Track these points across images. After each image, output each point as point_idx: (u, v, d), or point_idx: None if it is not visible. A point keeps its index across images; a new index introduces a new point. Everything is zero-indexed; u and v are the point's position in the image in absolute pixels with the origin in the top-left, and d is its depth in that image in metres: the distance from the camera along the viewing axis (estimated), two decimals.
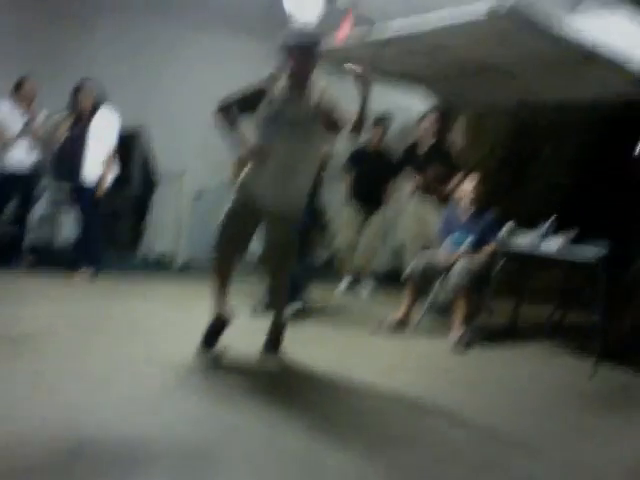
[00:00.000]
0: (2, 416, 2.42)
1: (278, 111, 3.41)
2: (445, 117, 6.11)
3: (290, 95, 3.44)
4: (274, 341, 3.70)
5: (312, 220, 5.03)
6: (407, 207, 6.22)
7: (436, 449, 2.61)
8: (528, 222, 4.81)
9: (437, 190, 5.78)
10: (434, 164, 5.80)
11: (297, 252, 4.71)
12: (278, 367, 3.55)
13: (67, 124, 5.51)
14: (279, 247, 3.60)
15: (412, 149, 6.20)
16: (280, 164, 3.44)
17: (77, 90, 5.37)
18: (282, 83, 3.47)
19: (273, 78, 3.49)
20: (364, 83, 3.24)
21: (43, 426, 2.38)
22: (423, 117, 6.16)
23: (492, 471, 2.47)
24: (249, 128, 3.53)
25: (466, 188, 4.95)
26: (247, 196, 3.52)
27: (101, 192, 5.35)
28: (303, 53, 3.40)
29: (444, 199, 5.58)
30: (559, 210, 5.11)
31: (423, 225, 5.89)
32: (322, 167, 4.80)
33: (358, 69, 3.23)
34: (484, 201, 4.95)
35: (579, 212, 5.51)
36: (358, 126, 3.33)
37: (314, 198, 4.86)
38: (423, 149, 6.07)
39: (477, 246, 4.76)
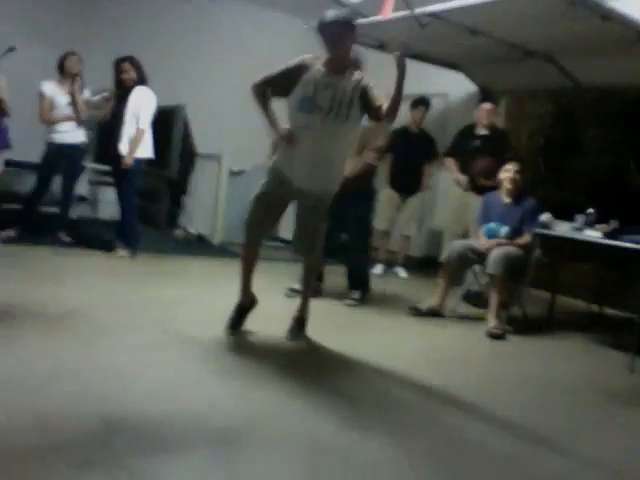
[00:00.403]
0: (38, 390, 2.47)
1: (313, 92, 3.37)
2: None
3: (326, 77, 3.40)
4: (299, 321, 3.71)
5: (371, 208, 5.05)
6: (450, 192, 6.12)
7: (461, 440, 2.59)
8: (566, 212, 4.75)
9: (483, 183, 5.56)
10: (485, 156, 5.59)
11: (359, 241, 4.87)
12: (303, 346, 3.58)
13: (110, 103, 5.56)
14: (309, 231, 3.61)
15: (464, 135, 6.05)
16: (314, 147, 3.41)
17: (117, 67, 5.38)
18: (318, 65, 3.43)
19: (308, 60, 3.45)
20: (400, 64, 3.20)
21: (78, 401, 2.42)
22: (479, 105, 6.00)
23: (514, 465, 2.45)
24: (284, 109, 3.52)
25: (506, 175, 4.84)
26: (277, 179, 3.52)
27: (126, 165, 5.30)
28: (337, 34, 3.35)
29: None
30: (600, 199, 5.03)
31: (464, 211, 5.82)
32: (379, 153, 4.76)
33: (397, 46, 3.19)
34: (523, 189, 4.87)
35: (621, 202, 5.41)
36: (393, 108, 3.30)
37: (370, 184, 4.87)
38: (475, 138, 5.89)
39: (515, 234, 4.68)
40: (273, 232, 3.75)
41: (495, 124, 5.94)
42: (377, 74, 6.68)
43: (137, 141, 5.34)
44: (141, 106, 5.34)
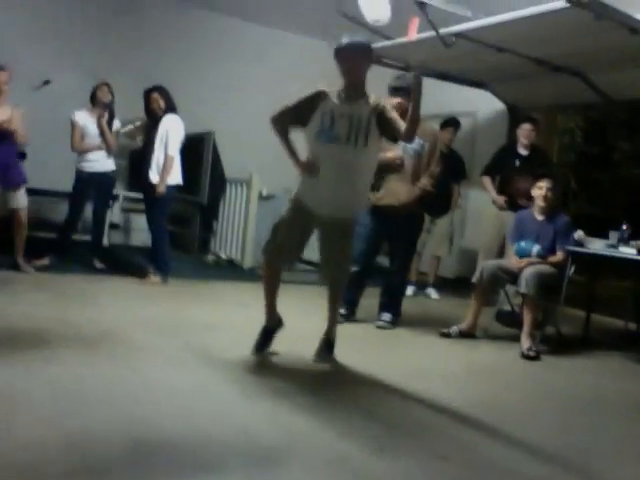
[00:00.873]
0: (72, 412, 2.50)
1: (330, 123, 3.38)
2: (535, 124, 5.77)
3: (342, 105, 3.40)
4: (326, 343, 3.67)
5: (420, 232, 5.07)
6: (486, 211, 6.01)
7: (494, 465, 2.52)
8: (599, 227, 4.67)
9: (524, 203, 5.31)
10: (526, 176, 5.31)
11: (403, 264, 4.90)
12: (333, 368, 3.57)
13: (141, 130, 5.67)
14: (336, 257, 3.59)
15: (503, 155, 5.93)
16: (335, 176, 3.41)
17: (146, 97, 5.49)
18: (334, 93, 3.44)
19: (324, 89, 3.46)
20: (416, 83, 3.22)
21: (110, 423, 2.43)
22: (521, 124, 5.83)
23: None
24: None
25: (538, 193, 4.76)
26: (299, 208, 3.53)
27: (159, 193, 5.37)
28: (352, 59, 3.36)
29: None
30: (633, 214, 4.94)
31: (500, 231, 5.72)
32: (434, 179, 4.76)
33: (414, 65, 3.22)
34: (556, 206, 4.79)
35: None
36: (411, 128, 3.30)
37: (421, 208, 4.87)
38: (515, 157, 5.77)
39: (548, 252, 4.60)
40: (294, 259, 3.73)
41: (535, 143, 5.79)
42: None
43: (167, 168, 5.40)
44: (169, 133, 5.42)
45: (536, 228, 4.72)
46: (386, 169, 4.54)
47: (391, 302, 4.85)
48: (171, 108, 5.49)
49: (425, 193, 4.71)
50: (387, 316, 4.79)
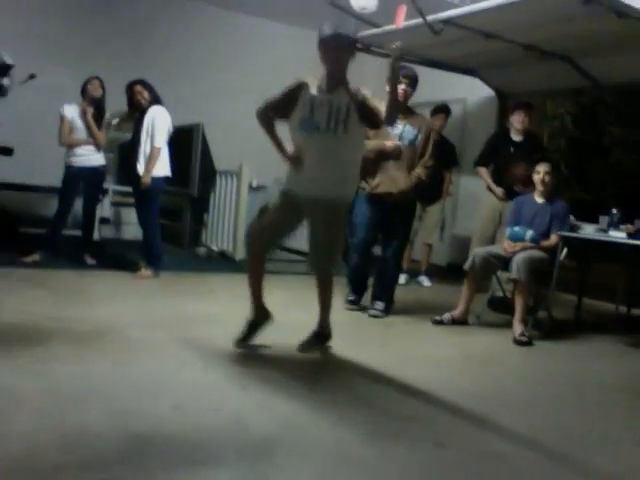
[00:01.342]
0: (68, 408, 2.49)
1: (310, 112, 3.39)
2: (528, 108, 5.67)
3: (321, 94, 3.41)
4: (316, 335, 3.65)
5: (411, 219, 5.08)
6: (482, 199, 5.90)
7: (489, 451, 2.52)
8: (590, 213, 4.68)
9: (521, 189, 5.31)
10: (521, 162, 5.33)
11: (397, 252, 4.90)
12: (327, 357, 3.58)
13: (127, 124, 5.63)
14: (320, 246, 3.54)
15: (495, 143, 5.85)
16: (319, 164, 3.42)
17: (130, 90, 5.42)
18: (315, 83, 3.45)
19: (305, 80, 3.47)
20: (393, 67, 3.25)
21: (107, 418, 2.43)
22: (514, 110, 5.72)
23: (553, 472, 2.40)
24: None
25: (536, 177, 4.76)
26: (288, 193, 3.53)
27: (144, 184, 5.30)
28: (335, 48, 3.32)
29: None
30: (624, 199, 4.95)
31: (495, 219, 5.66)
32: (427, 169, 4.80)
33: (391, 49, 3.22)
34: (554, 190, 4.79)
35: None
36: (391, 112, 3.31)
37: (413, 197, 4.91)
38: (509, 144, 5.69)
39: (543, 236, 4.62)
40: (275, 244, 3.70)
41: (529, 130, 5.72)
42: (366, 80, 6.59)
43: (153, 160, 5.34)
44: (155, 125, 5.36)
45: (533, 211, 4.74)
46: (385, 157, 4.62)
47: (384, 290, 4.86)
48: (156, 100, 5.43)
49: (420, 182, 4.76)
50: (380, 305, 4.80)
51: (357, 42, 3.52)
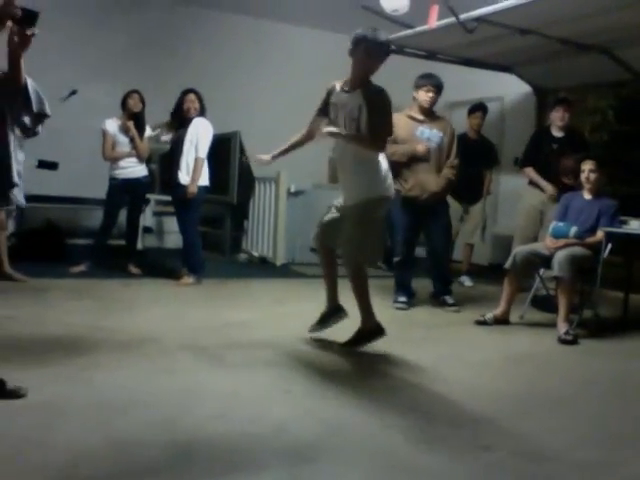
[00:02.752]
0: (113, 417, 2.53)
1: (335, 115, 3.53)
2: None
3: (342, 96, 3.51)
4: (357, 332, 3.70)
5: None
6: (526, 197, 5.77)
7: (536, 451, 2.49)
8: (635, 207, 4.57)
9: (570, 182, 5.19)
10: (567, 157, 5.23)
11: (446, 248, 5.26)
12: (366, 358, 3.61)
13: (170, 135, 5.73)
14: (342, 247, 3.65)
15: (538, 140, 5.73)
16: (342, 165, 3.65)
17: (183, 97, 5.53)
18: (339, 86, 3.56)
19: (334, 84, 3.60)
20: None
21: (151, 426, 2.47)
22: (554, 106, 5.64)
23: (592, 475, 2.35)
24: None
25: (582, 175, 4.69)
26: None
27: (190, 194, 5.42)
28: (364, 51, 3.39)
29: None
30: None
31: (538, 218, 5.57)
32: (455, 169, 5.02)
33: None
34: (602, 187, 4.71)
35: None
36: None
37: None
38: (552, 141, 5.58)
39: (588, 233, 4.52)
40: (335, 244, 3.78)
41: (571, 125, 5.60)
42: (395, 82, 6.57)
43: (198, 170, 5.46)
44: (200, 136, 5.47)
45: (581, 206, 4.66)
46: (416, 160, 4.86)
47: (445, 286, 5.16)
48: (202, 111, 5.54)
49: (449, 182, 5.00)
50: (451, 298, 5.10)
51: (388, 49, 3.56)
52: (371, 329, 3.69)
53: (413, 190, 4.88)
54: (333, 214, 3.72)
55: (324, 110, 3.63)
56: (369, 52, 3.38)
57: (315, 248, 3.87)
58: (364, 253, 3.62)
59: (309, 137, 3.77)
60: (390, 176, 3.69)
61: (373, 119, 3.40)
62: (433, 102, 4.91)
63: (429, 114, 4.96)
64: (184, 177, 5.46)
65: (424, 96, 4.86)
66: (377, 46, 3.39)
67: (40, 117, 2.80)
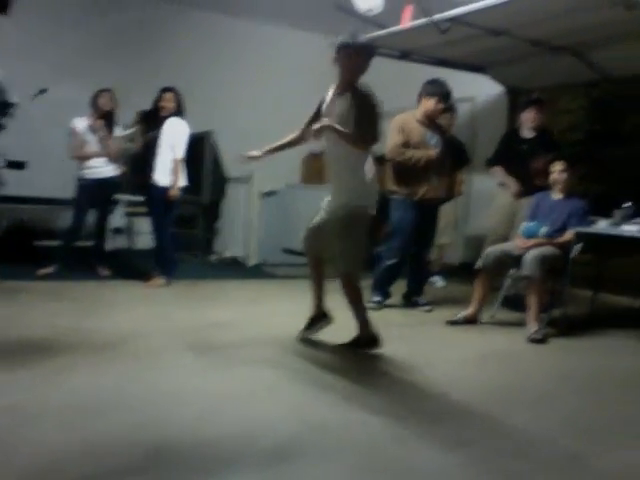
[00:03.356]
0: (90, 418, 2.50)
1: (327, 113, 3.54)
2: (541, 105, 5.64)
3: (331, 102, 3.56)
4: (355, 338, 3.73)
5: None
6: (497, 198, 5.81)
7: (517, 446, 2.54)
8: (608, 207, 4.61)
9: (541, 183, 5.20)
10: (538, 157, 5.32)
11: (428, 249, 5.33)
12: (349, 357, 3.62)
13: (140, 134, 5.66)
14: (333, 254, 3.63)
15: (508, 141, 5.79)
16: (331, 169, 3.65)
17: (160, 95, 5.45)
18: (330, 91, 3.61)
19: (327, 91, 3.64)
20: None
21: (129, 428, 2.43)
22: (525, 107, 5.70)
23: (575, 467, 2.39)
24: None
25: (552, 176, 4.75)
26: None
27: (172, 196, 5.38)
28: (351, 55, 3.44)
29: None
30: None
31: (511, 218, 5.57)
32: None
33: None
34: (573, 187, 4.75)
35: None
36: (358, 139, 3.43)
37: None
38: (522, 142, 5.63)
39: (558, 232, 4.58)
40: (323, 248, 3.78)
41: (542, 125, 5.63)
42: (397, 83, 6.66)
43: (178, 172, 5.41)
44: (176, 137, 5.41)
45: (551, 207, 4.71)
46: (431, 165, 4.92)
47: (421, 287, 5.24)
48: (179, 111, 5.47)
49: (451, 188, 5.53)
50: (423, 299, 5.18)
51: (372, 53, 3.58)
52: (367, 339, 3.70)
53: (426, 195, 4.95)
54: (321, 217, 3.70)
55: (317, 115, 3.63)
56: (352, 56, 3.44)
57: (306, 254, 3.84)
58: (352, 261, 3.61)
59: (301, 139, 3.77)
60: (375, 187, 3.68)
61: (360, 121, 3.40)
62: (438, 111, 4.99)
63: (433, 120, 5.02)
64: (159, 177, 5.40)
65: (435, 106, 4.91)
66: (359, 50, 3.45)
67: (4, 107, 2.70)
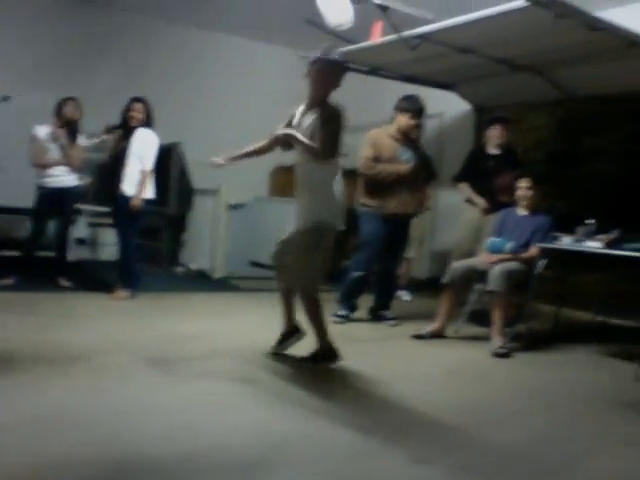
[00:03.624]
0: (46, 435, 2.42)
1: (294, 125, 3.54)
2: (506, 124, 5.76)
3: (303, 111, 3.55)
4: (313, 353, 3.70)
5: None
6: (463, 214, 5.86)
7: (464, 465, 2.50)
8: (572, 223, 4.68)
9: (505, 200, 5.29)
10: (503, 174, 5.40)
11: (397, 264, 5.38)
12: (306, 372, 3.58)
13: (111, 143, 5.56)
14: (289, 269, 3.61)
15: (475, 158, 5.87)
16: (298, 185, 3.61)
17: (129, 105, 5.38)
18: (301, 106, 3.61)
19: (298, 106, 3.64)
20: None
21: (88, 445, 2.36)
22: (489, 125, 5.81)
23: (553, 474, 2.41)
24: None
25: (519, 192, 4.81)
26: None
27: (134, 206, 5.28)
28: (320, 71, 3.45)
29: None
30: (603, 208, 4.96)
31: (477, 233, 5.62)
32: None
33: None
34: (538, 204, 4.83)
35: (626, 208, 5.34)
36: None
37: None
38: (488, 159, 5.70)
39: (523, 248, 4.63)
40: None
41: (507, 143, 5.73)
42: (367, 99, 6.70)
43: (144, 183, 5.33)
44: (146, 148, 5.35)
45: (516, 223, 4.77)
46: (401, 180, 4.93)
47: (388, 301, 5.24)
48: (148, 123, 5.41)
49: (423, 204, 5.54)
50: (389, 313, 5.17)
51: (344, 69, 3.58)
52: (324, 353, 3.68)
53: (395, 209, 4.96)
54: (290, 232, 3.67)
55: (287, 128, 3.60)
56: (324, 72, 3.44)
57: (275, 269, 3.81)
58: (311, 278, 3.58)
59: (268, 148, 3.71)
60: (341, 206, 3.64)
61: (323, 133, 3.39)
62: (414, 129, 5.04)
63: (407, 136, 5.04)
64: (128, 188, 5.31)
65: (406, 121, 4.96)
66: (332, 65, 3.45)
67: None
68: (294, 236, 3.61)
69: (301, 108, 3.60)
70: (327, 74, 3.45)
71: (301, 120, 3.54)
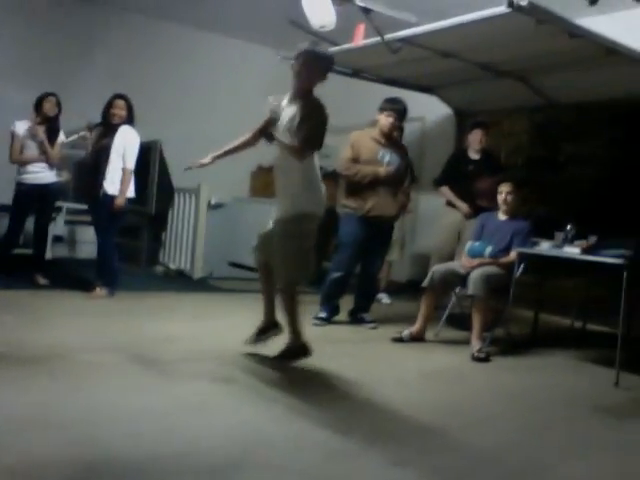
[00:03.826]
0: (17, 436, 2.38)
1: (280, 122, 3.54)
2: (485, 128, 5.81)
3: (287, 103, 3.57)
4: (284, 350, 3.70)
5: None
6: (444, 218, 5.91)
7: (441, 469, 2.51)
8: (549, 229, 4.72)
9: (485, 204, 5.37)
10: (483, 178, 5.45)
11: (379, 266, 5.35)
12: (284, 374, 3.56)
13: (93, 140, 5.50)
14: (275, 262, 3.60)
15: (455, 162, 5.91)
16: (277, 176, 3.65)
17: (110, 102, 5.32)
18: (284, 99, 3.61)
19: (280, 97, 3.62)
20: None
21: (59, 446, 2.33)
22: (471, 129, 5.86)
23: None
24: None
25: (499, 197, 4.83)
26: None
27: (118, 206, 5.25)
28: (301, 62, 3.49)
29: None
30: (582, 213, 5.01)
31: (456, 237, 5.70)
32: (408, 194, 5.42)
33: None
34: (518, 208, 4.86)
35: (604, 214, 5.41)
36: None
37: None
38: (468, 163, 5.75)
39: (503, 253, 4.66)
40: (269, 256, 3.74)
41: (487, 147, 5.80)
42: (349, 101, 6.70)
43: (127, 182, 5.29)
44: (127, 146, 5.30)
45: (496, 227, 4.79)
46: (378, 182, 4.92)
47: (368, 304, 5.23)
48: (130, 120, 5.36)
49: (404, 207, 5.40)
50: (369, 316, 5.16)
51: (330, 64, 3.62)
52: (297, 348, 3.67)
53: (372, 211, 4.93)
54: (270, 227, 3.68)
55: (270, 121, 3.58)
56: (310, 64, 3.47)
57: (256, 263, 3.82)
58: (295, 270, 3.57)
59: (251, 142, 3.70)
60: (323, 194, 3.66)
61: (303, 128, 3.41)
62: (393, 127, 5.01)
63: (390, 138, 5.04)
64: (110, 186, 5.25)
65: (384, 120, 4.96)
66: (318, 58, 3.50)
67: None
68: (275, 228, 3.60)
69: (285, 101, 3.60)
70: (312, 67, 3.48)
71: (282, 112, 3.54)
